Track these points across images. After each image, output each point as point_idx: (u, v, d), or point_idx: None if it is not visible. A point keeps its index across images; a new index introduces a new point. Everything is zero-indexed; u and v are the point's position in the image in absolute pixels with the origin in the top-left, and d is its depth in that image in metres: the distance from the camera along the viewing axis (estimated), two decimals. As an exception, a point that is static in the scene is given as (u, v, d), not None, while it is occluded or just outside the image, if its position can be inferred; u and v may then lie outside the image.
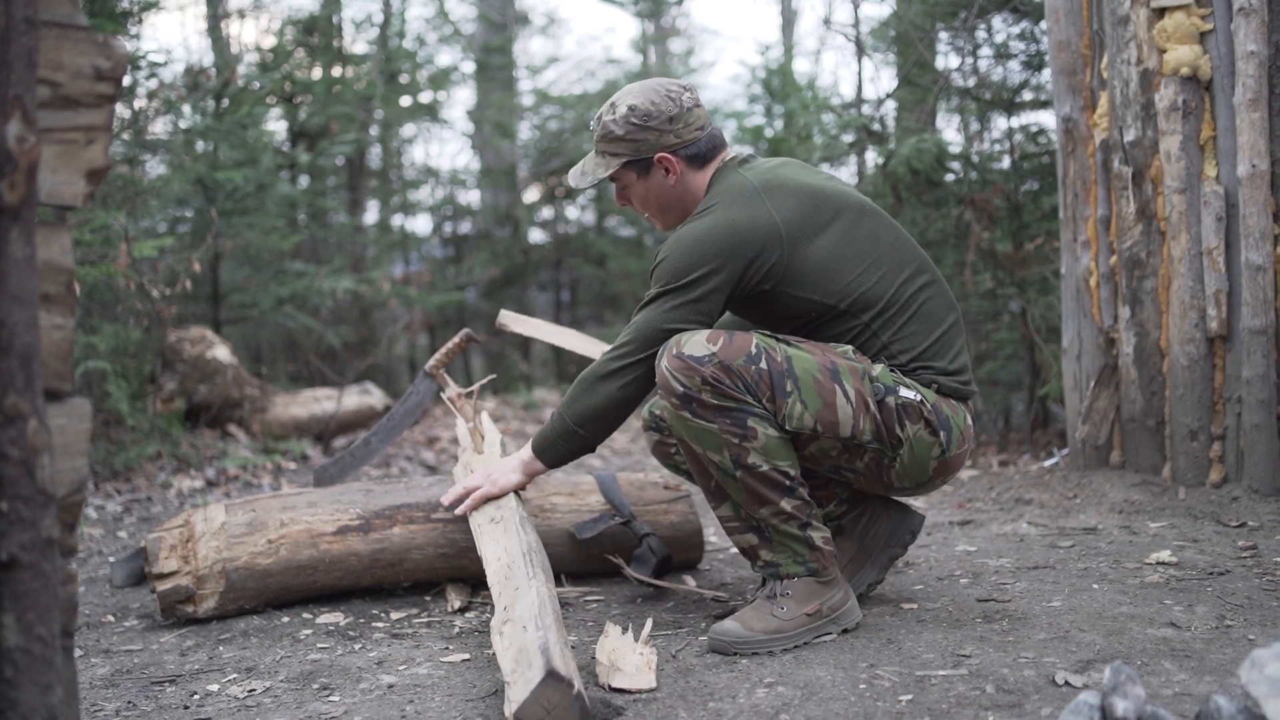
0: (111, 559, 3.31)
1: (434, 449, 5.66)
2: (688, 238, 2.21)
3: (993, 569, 2.74)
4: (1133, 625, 2.18)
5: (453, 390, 2.98)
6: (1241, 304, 3.18)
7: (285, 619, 2.58)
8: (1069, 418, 3.81)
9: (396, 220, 8.82)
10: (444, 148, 10.80)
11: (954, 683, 1.89)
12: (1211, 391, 3.29)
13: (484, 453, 2.78)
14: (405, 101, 8.20)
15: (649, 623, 2.14)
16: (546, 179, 8.97)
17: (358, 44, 8.03)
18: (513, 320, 3.01)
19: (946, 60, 5.35)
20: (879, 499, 2.45)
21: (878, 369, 2.21)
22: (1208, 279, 3.26)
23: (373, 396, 5.81)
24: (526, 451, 2.40)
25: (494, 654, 2.04)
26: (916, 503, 3.68)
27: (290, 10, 7.50)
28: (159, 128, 5.88)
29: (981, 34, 5.10)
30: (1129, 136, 3.44)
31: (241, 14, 7.29)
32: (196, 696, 2.07)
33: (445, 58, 10.04)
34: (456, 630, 2.46)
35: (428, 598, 2.74)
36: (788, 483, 2.14)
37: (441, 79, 8.41)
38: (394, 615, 2.59)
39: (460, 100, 11.41)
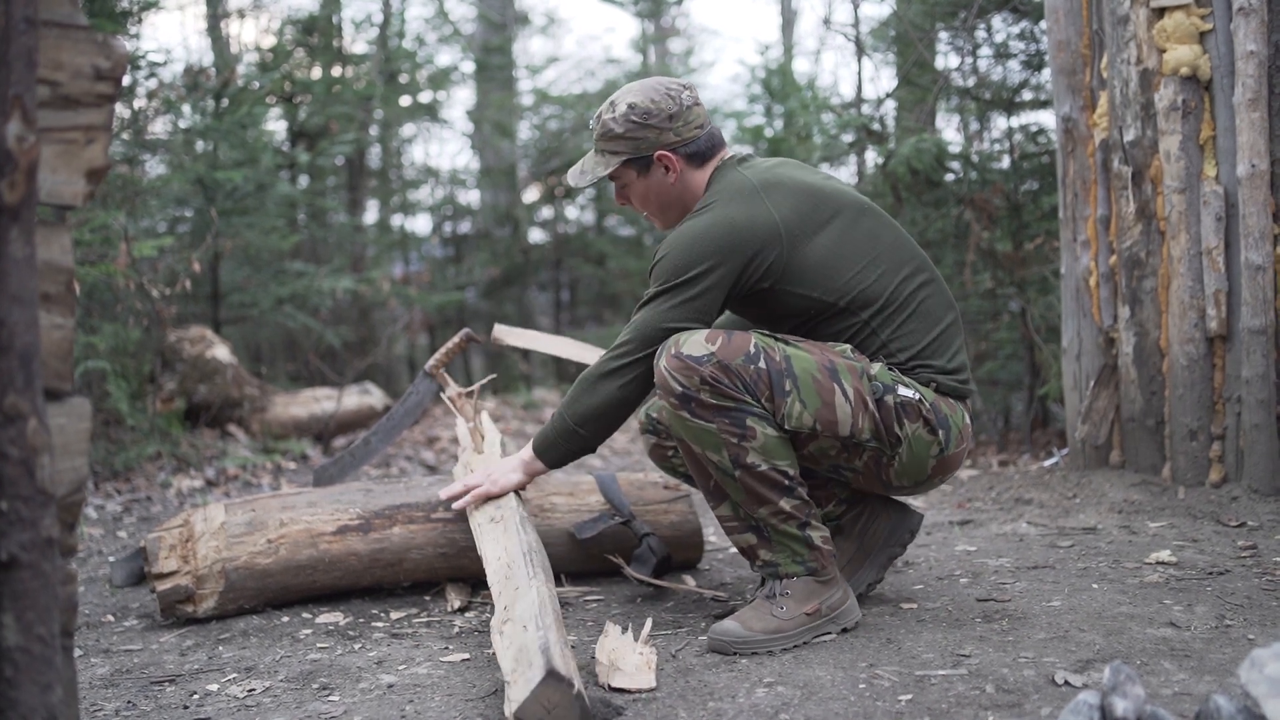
0: (111, 559, 3.31)
1: (434, 449, 5.66)
2: (686, 236, 2.22)
3: (992, 569, 2.74)
4: (1132, 625, 2.18)
5: (453, 390, 2.98)
6: (1241, 304, 3.18)
7: (285, 619, 2.58)
8: (1069, 417, 3.81)
9: (396, 220, 8.82)
10: (444, 147, 10.81)
11: (954, 682, 1.89)
12: (1211, 391, 3.29)
13: (484, 452, 2.78)
14: (405, 101, 8.20)
15: (649, 622, 2.14)
16: (546, 179, 8.97)
17: (357, 44, 8.04)
18: (508, 333, 3.01)
19: (946, 60, 5.35)
20: (878, 499, 2.45)
21: (876, 368, 2.21)
22: (1207, 279, 3.26)
23: (372, 396, 5.81)
24: (527, 452, 2.41)
25: (494, 654, 2.05)
26: (916, 502, 3.68)
27: (290, 10, 7.50)
28: (159, 127, 5.88)
29: (981, 34, 5.11)
30: (1129, 136, 3.44)
31: (241, 14, 7.29)
32: (196, 696, 2.07)
33: (445, 57, 10.04)
34: (456, 630, 2.46)
35: (427, 597, 2.74)
36: (786, 482, 2.15)
37: (441, 79, 8.41)
38: (394, 615, 2.59)
39: (460, 100, 11.42)
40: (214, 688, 2.11)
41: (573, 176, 2.44)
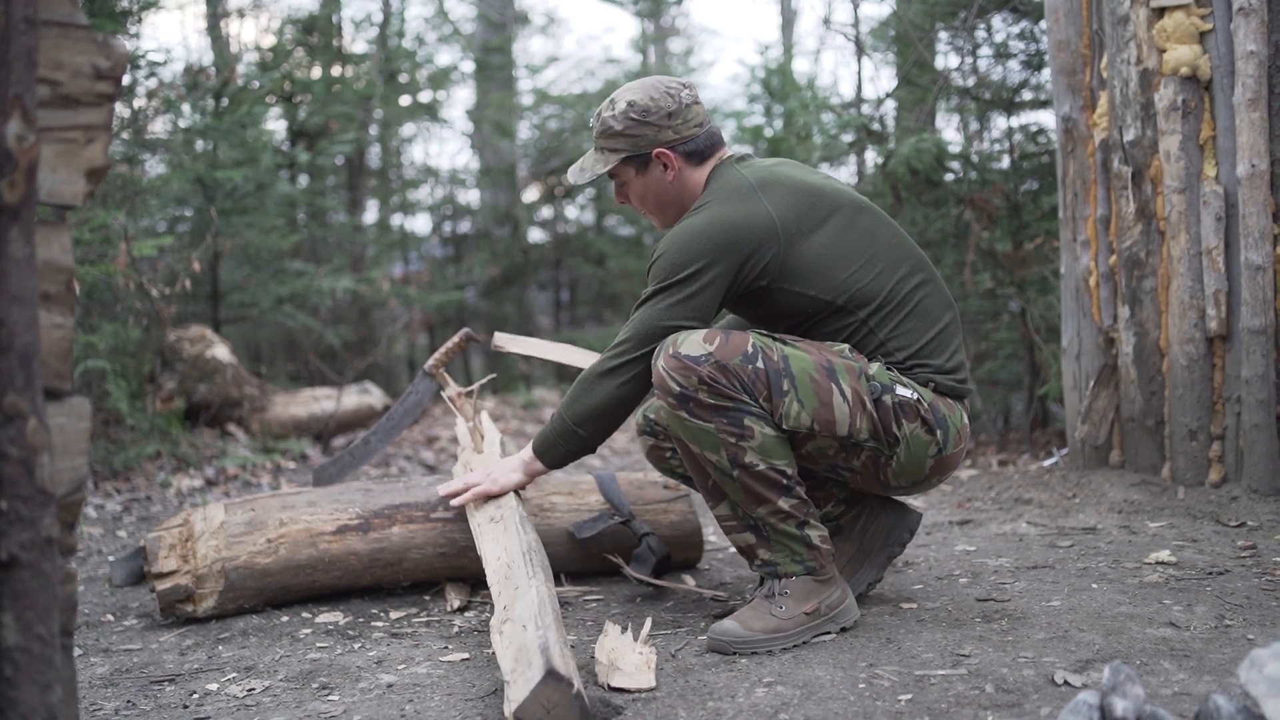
0: (111, 558, 3.31)
1: (433, 448, 5.66)
2: (684, 234, 2.22)
3: (992, 568, 2.74)
4: (1132, 625, 2.18)
5: (452, 389, 2.98)
6: (1241, 304, 3.18)
7: (284, 618, 2.58)
8: (1068, 417, 3.81)
9: (396, 220, 8.82)
10: (443, 147, 10.82)
11: (953, 682, 1.89)
12: (1211, 391, 3.29)
13: (484, 452, 2.78)
14: (405, 101, 8.20)
15: (648, 622, 2.14)
16: (546, 178, 8.97)
17: (357, 43, 8.04)
18: (509, 341, 3.01)
19: (946, 60, 5.35)
20: (877, 498, 2.46)
21: (874, 367, 2.21)
22: (1207, 279, 3.26)
23: (372, 396, 5.81)
24: (527, 452, 2.41)
25: (493, 653, 2.05)
26: (915, 501, 3.68)
27: (290, 9, 7.49)
28: (158, 127, 5.88)
29: (981, 34, 5.11)
30: (1128, 136, 3.44)
31: (241, 13, 7.29)
32: (196, 696, 2.07)
33: (445, 57, 10.04)
34: (456, 629, 2.46)
35: (427, 597, 2.74)
36: (785, 481, 2.15)
37: (441, 78, 8.41)
38: (393, 614, 2.59)
39: (460, 100, 11.41)
40: (214, 687, 2.11)
41: (572, 174, 2.44)
